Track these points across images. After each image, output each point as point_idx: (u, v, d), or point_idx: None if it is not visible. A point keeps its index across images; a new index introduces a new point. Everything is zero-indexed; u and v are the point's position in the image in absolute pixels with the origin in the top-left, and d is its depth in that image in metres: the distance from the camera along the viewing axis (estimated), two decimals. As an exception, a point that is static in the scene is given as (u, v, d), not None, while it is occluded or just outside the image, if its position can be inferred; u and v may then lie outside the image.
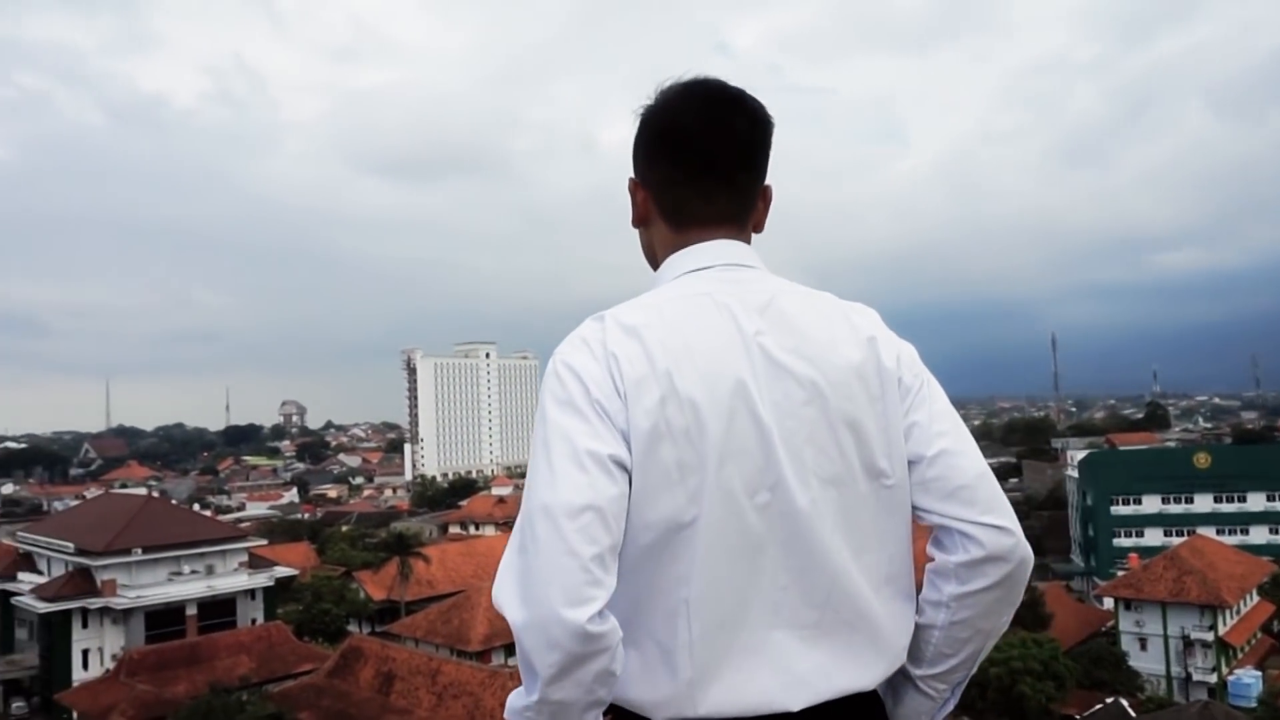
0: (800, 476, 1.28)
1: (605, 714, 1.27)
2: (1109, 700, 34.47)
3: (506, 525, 69.06)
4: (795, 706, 1.27)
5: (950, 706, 1.49)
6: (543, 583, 1.16)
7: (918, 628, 1.41)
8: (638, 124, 1.49)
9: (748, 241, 1.48)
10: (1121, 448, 78.19)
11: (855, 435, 1.32)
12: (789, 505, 1.27)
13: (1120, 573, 52.63)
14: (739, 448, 1.26)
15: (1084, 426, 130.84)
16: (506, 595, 1.20)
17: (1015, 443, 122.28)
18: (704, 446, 1.25)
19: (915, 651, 1.42)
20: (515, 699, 1.24)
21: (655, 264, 1.51)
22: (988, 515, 1.34)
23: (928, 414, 1.38)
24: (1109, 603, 49.56)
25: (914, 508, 1.38)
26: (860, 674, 1.32)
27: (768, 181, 1.50)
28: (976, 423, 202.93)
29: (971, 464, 1.37)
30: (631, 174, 1.52)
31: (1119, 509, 64.34)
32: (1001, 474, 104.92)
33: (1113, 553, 62.30)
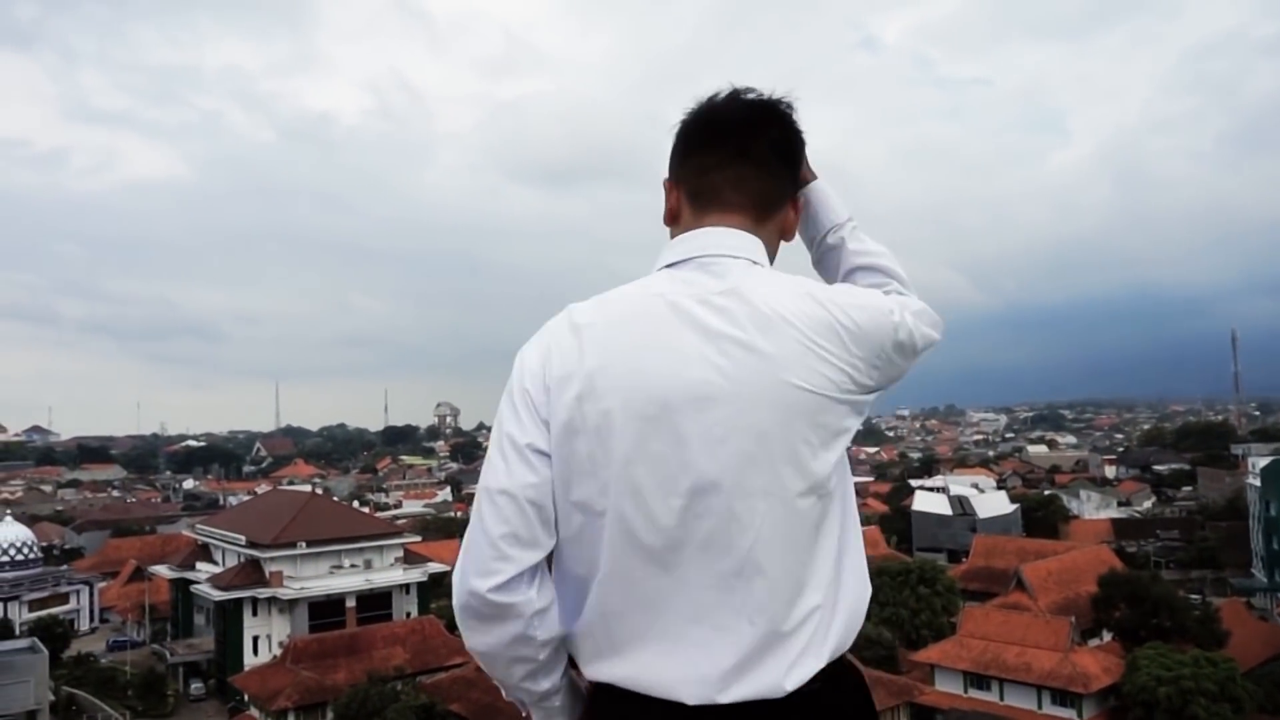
0: (724, 486, 1.31)
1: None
2: (1296, 728, 31.78)
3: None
4: (690, 701, 1.31)
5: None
6: (465, 553, 1.38)
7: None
8: (676, 132, 1.56)
9: (764, 238, 1.49)
10: (1312, 454, 71.92)
11: (792, 449, 1.32)
12: (708, 510, 1.31)
13: (1310, 590, 48.63)
14: (653, 453, 1.31)
15: (1270, 431, 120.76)
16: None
17: (1189, 448, 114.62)
18: (611, 446, 1.32)
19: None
20: None
21: None
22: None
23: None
24: (1296, 622, 45.86)
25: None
26: (770, 687, 1.32)
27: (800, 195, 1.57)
28: (1146, 426, 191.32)
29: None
30: (665, 178, 1.58)
31: (1309, 521, 59.24)
32: (1174, 481, 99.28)
33: (1301, 568, 57.48)
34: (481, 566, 1.34)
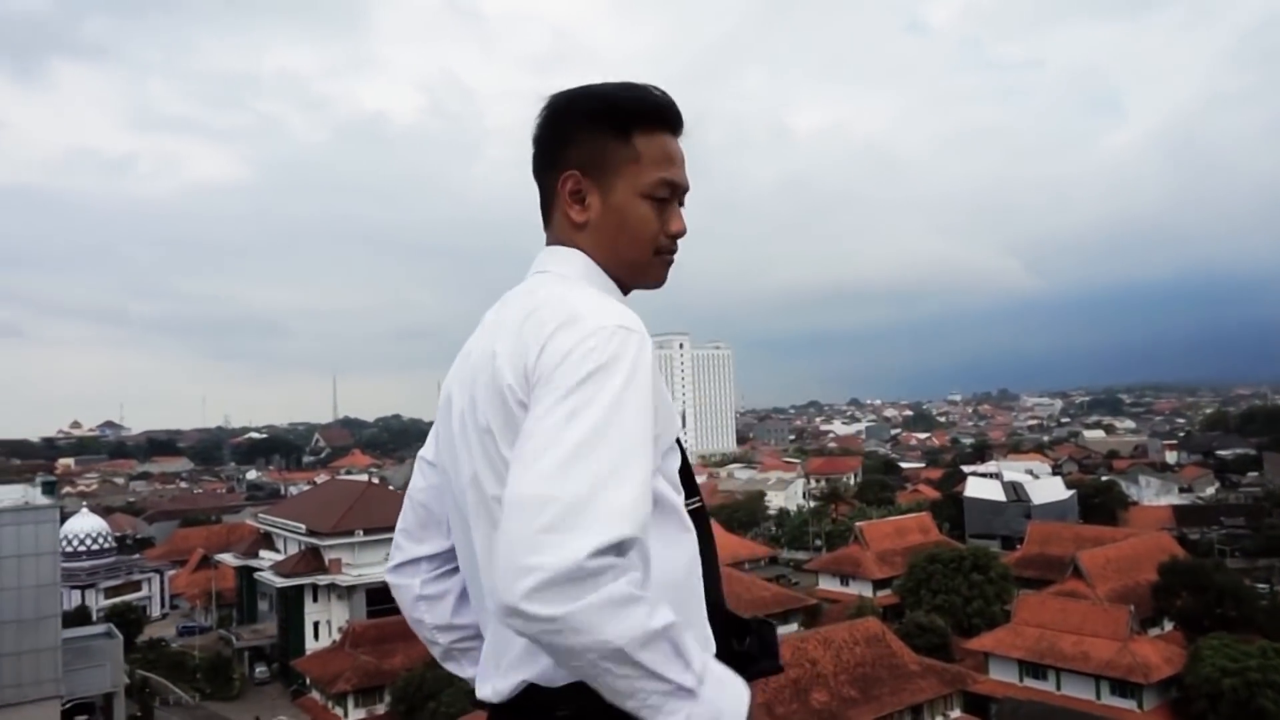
0: (468, 477, 1.39)
1: None
2: (1367, 719, 30.94)
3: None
4: (478, 694, 1.41)
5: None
6: None
7: None
8: None
9: (559, 241, 1.52)
10: (1383, 439, 69.65)
11: (484, 439, 1.34)
12: (474, 499, 1.38)
13: (1381, 578, 47.15)
14: (455, 449, 1.43)
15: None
16: None
17: (1254, 433, 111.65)
18: (443, 449, 1.50)
19: None
20: None
21: None
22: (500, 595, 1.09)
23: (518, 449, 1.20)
24: (1367, 611, 44.45)
25: None
26: (490, 690, 1.36)
27: (573, 170, 1.48)
28: (1209, 410, 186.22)
29: (508, 525, 1.11)
30: None
31: (1380, 507, 57.46)
32: (1239, 466, 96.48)
33: (1372, 556, 55.79)
34: (391, 556, 1.65)
